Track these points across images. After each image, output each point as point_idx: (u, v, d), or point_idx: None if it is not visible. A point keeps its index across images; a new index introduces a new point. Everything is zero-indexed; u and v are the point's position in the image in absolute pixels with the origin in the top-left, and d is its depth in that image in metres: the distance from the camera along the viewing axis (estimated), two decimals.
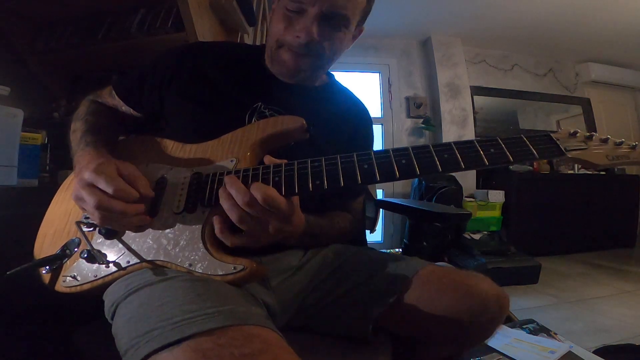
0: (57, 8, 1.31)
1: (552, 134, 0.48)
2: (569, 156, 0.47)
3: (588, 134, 0.49)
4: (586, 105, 3.70)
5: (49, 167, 1.19)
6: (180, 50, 0.71)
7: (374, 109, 3.28)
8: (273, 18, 0.66)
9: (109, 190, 0.47)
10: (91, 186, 0.48)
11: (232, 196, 0.45)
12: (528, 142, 0.47)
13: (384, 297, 0.59)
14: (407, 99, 3.28)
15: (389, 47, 3.30)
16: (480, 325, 0.57)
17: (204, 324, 0.38)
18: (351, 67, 3.24)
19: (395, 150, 0.47)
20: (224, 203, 0.46)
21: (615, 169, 3.29)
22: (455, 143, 0.47)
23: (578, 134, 0.48)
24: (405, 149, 0.47)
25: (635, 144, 0.47)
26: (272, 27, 0.66)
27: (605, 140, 0.48)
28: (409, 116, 3.26)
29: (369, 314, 0.59)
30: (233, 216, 0.45)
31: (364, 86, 3.34)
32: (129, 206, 0.48)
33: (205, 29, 1.25)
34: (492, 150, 0.46)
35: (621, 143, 0.48)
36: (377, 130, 3.24)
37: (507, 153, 0.46)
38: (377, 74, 3.33)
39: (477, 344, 0.63)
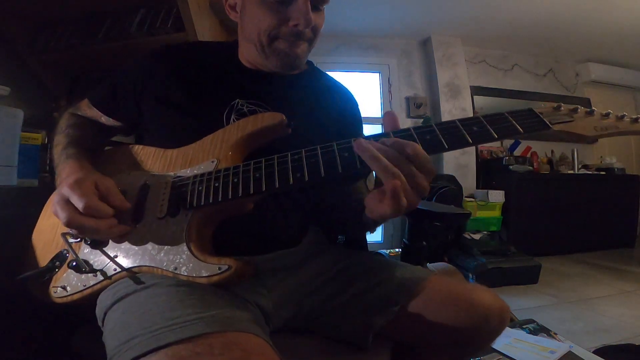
0: (57, 8, 1.31)
1: (535, 109, 0.47)
2: (555, 129, 0.46)
3: (572, 107, 0.48)
4: (586, 105, 3.67)
5: (49, 167, 1.19)
6: (150, 56, 0.69)
7: (374, 109, 3.28)
8: (252, 13, 0.62)
9: (79, 207, 0.47)
10: (66, 201, 0.48)
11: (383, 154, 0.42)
12: (511, 118, 0.46)
13: (387, 307, 0.59)
14: (407, 99, 3.28)
15: (389, 47, 3.30)
16: (481, 336, 0.58)
17: (182, 331, 0.38)
18: (351, 67, 3.24)
19: (376, 135, 0.46)
20: (370, 160, 0.42)
21: (615, 169, 3.29)
22: (437, 124, 0.46)
23: (562, 108, 0.48)
24: (387, 134, 0.46)
25: (624, 114, 0.46)
26: (255, 20, 0.62)
27: (591, 112, 0.47)
28: (409, 116, 3.26)
29: (371, 324, 0.59)
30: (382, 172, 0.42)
31: (364, 86, 3.33)
32: (100, 222, 0.48)
33: (205, 29, 1.25)
34: (475, 128, 0.45)
35: (608, 114, 0.47)
36: (377, 130, 3.24)
37: (490, 130, 0.45)
38: (377, 74, 3.33)
39: (476, 354, 0.64)
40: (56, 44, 1.34)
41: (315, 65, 0.81)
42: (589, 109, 0.48)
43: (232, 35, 1.54)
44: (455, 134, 0.45)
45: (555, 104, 0.48)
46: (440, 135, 0.45)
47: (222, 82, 0.67)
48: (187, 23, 1.17)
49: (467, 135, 0.44)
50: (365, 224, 0.55)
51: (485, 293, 0.59)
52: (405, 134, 0.46)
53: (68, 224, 0.47)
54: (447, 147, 0.44)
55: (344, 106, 0.78)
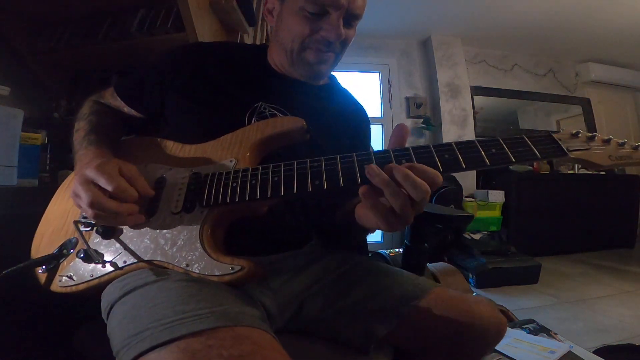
0: (57, 8, 1.31)
1: (553, 134, 0.47)
2: (572, 157, 0.46)
3: (590, 134, 0.48)
4: (586, 105, 3.70)
5: (49, 167, 1.19)
6: (180, 51, 0.70)
7: (374, 109, 3.28)
8: (287, 20, 0.65)
9: (109, 187, 0.47)
10: (89, 182, 0.48)
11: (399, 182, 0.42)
12: (530, 143, 0.46)
13: (390, 318, 0.59)
14: (407, 99, 3.28)
15: (389, 47, 3.30)
16: (477, 347, 0.60)
17: (194, 324, 0.38)
18: (351, 67, 3.24)
19: (395, 150, 0.47)
20: (386, 189, 0.42)
21: (616, 169, 3.29)
22: (456, 143, 0.47)
23: (580, 135, 0.48)
24: (406, 149, 0.47)
25: (638, 145, 0.47)
26: (290, 28, 0.64)
27: (607, 141, 0.48)
28: (409, 116, 3.26)
29: (372, 333, 0.59)
30: (397, 202, 0.42)
31: (364, 86, 3.34)
32: (122, 206, 0.48)
33: (205, 29, 1.25)
34: (493, 150, 0.45)
35: (624, 143, 0.47)
36: (377, 130, 3.25)
37: (509, 153, 0.45)
38: (377, 74, 3.33)
39: None
40: (56, 44, 1.34)
41: (336, 78, 0.84)
42: (606, 137, 0.48)
43: (232, 35, 1.54)
44: (474, 155, 0.45)
45: (573, 130, 0.49)
46: (459, 154, 0.45)
47: (248, 84, 0.68)
48: (187, 23, 1.17)
49: (486, 158, 0.45)
50: (363, 228, 0.56)
51: (485, 306, 0.61)
52: (425, 151, 0.46)
53: (91, 204, 0.47)
54: (464, 167, 0.45)
55: (358, 121, 0.80)
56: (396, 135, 0.48)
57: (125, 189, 0.48)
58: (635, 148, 0.47)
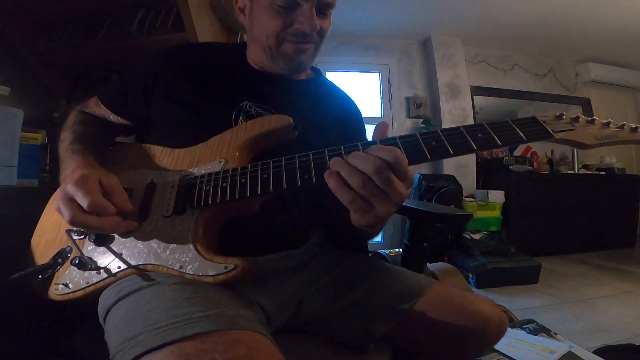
0: (57, 8, 1.32)
1: (538, 117, 0.48)
2: (557, 137, 0.47)
3: (574, 116, 0.49)
4: (586, 105, 3.70)
5: (49, 167, 1.19)
6: (160, 54, 0.69)
7: (374, 109, 3.28)
8: (259, 17, 0.64)
9: (84, 205, 0.47)
10: (69, 199, 0.48)
11: (357, 166, 0.41)
12: (515, 126, 0.47)
13: (389, 316, 0.59)
14: (407, 99, 3.28)
15: (389, 47, 3.30)
16: (478, 344, 0.60)
17: (188, 329, 0.38)
18: (351, 67, 3.23)
19: (382, 140, 0.47)
20: (341, 170, 0.41)
21: (615, 169, 3.29)
22: (442, 130, 0.47)
23: (564, 116, 0.49)
24: (393, 138, 0.46)
25: (624, 124, 0.47)
26: (263, 24, 0.64)
27: (592, 121, 0.48)
28: (409, 116, 3.26)
29: (372, 332, 0.59)
30: (354, 181, 0.40)
31: (364, 86, 3.33)
32: (104, 220, 0.48)
33: (205, 29, 1.25)
34: (479, 135, 0.46)
35: (608, 123, 0.48)
36: None
37: (495, 137, 0.45)
38: (377, 74, 3.32)
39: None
40: (56, 44, 1.35)
41: (321, 72, 0.82)
42: (589, 118, 0.49)
43: (232, 35, 1.54)
44: (461, 141, 0.45)
45: (557, 113, 0.49)
46: (445, 141, 0.45)
47: (231, 83, 0.68)
48: (187, 23, 1.17)
49: (472, 142, 0.45)
50: (362, 234, 0.55)
51: (485, 303, 0.61)
52: (412, 140, 0.46)
53: (72, 222, 0.47)
54: (452, 152, 0.45)
55: (347, 114, 0.79)
56: (377, 133, 0.48)
57: (100, 204, 0.48)
58: (621, 127, 0.47)
